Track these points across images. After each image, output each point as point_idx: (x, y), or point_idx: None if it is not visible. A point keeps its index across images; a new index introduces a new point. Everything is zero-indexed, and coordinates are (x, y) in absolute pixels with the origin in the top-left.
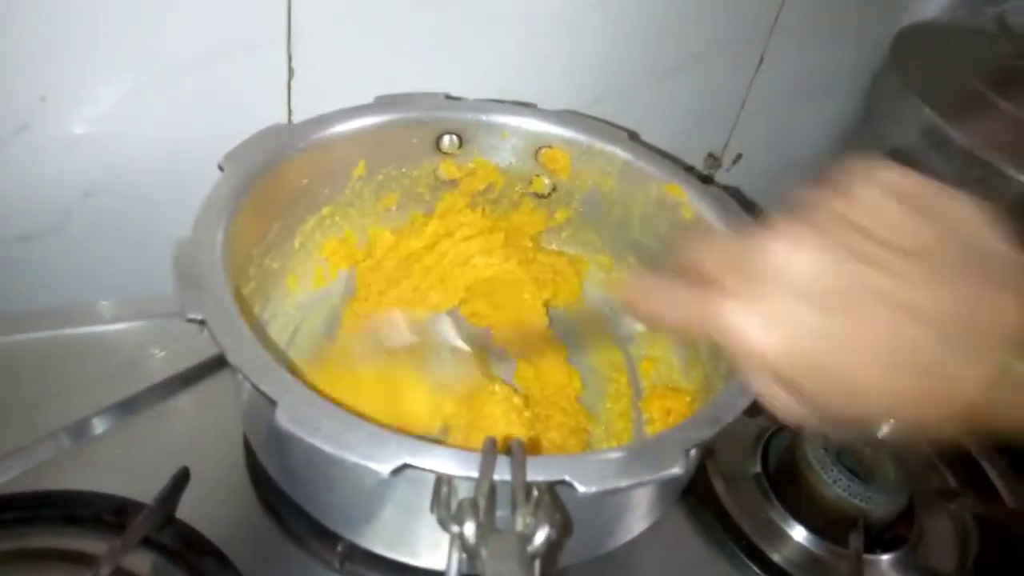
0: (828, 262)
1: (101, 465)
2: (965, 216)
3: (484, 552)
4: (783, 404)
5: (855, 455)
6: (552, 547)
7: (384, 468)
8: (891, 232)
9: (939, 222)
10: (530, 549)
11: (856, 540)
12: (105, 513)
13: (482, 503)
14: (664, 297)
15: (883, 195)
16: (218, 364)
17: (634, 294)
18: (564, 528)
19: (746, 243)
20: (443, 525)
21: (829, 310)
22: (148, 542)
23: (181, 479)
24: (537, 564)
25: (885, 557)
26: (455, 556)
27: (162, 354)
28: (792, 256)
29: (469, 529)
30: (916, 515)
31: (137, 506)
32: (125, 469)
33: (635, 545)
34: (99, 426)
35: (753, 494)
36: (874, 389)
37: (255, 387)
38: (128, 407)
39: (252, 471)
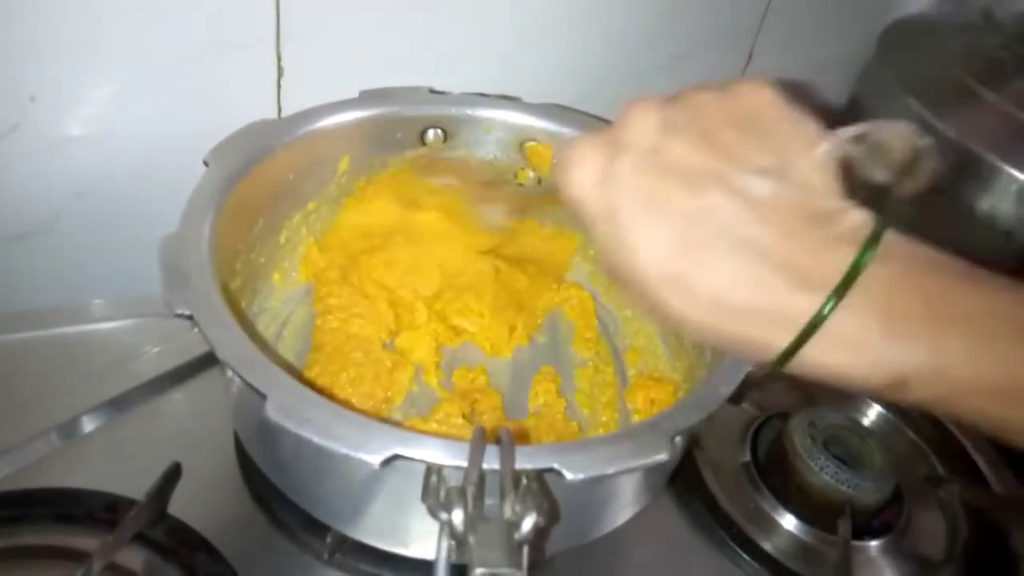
0: (652, 131)
1: (92, 462)
2: (807, 161)
3: (472, 539)
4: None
5: (843, 442)
6: (539, 534)
7: (374, 459)
8: (725, 139)
9: (774, 154)
10: (517, 536)
11: (844, 527)
12: (97, 510)
13: (471, 491)
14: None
15: (742, 109)
16: (209, 361)
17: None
18: (551, 515)
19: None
20: (432, 513)
21: (630, 169)
22: (140, 538)
23: (172, 475)
24: (525, 550)
25: (873, 543)
26: (444, 544)
27: (154, 352)
28: (634, 123)
29: (457, 517)
30: (904, 502)
31: (128, 502)
32: (116, 466)
33: (625, 535)
34: (90, 424)
35: (742, 483)
36: (658, 277)
37: (244, 381)
38: (119, 404)
39: (242, 466)
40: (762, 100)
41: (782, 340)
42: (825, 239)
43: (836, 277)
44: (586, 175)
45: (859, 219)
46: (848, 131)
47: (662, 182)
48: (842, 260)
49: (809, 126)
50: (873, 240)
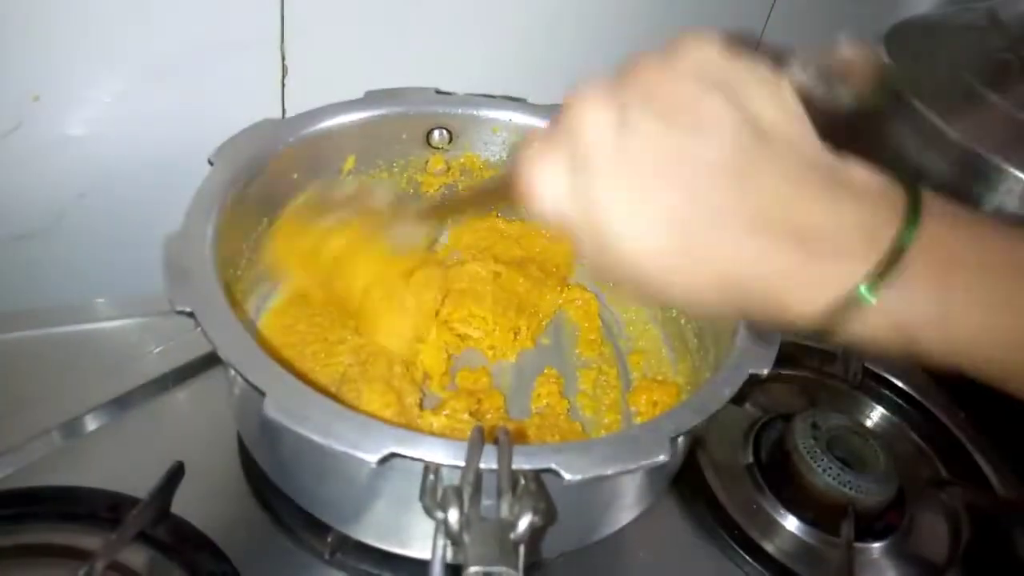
0: (610, 127)
1: (95, 461)
2: (774, 106)
3: (467, 538)
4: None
5: (845, 444)
6: (536, 534)
7: (372, 457)
8: (687, 110)
9: (741, 108)
10: (513, 536)
11: (847, 529)
12: (100, 509)
13: (467, 490)
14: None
15: (692, 71)
16: (212, 360)
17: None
18: (548, 515)
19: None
20: (428, 512)
21: (602, 173)
22: (143, 537)
23: (175, 474)
24: (521, 550)
25: (876, 545)
26: (440, 542)
27: (157, 351)
28: (582, 117)
29: (453, 516)
30: (907, 504)
31: (132, 501)
32: (119, 465)
33: (628, 535)
34: (93, 423)
35: (745, 484)
36: (650, 260)
37: (243, 378)
38: (122, 403)
39: (245, 465)
40: (709, 54)
41: (802, 306)
42: (833, 199)
43: (860, 246)
44: (555, 186)
45: (864, 177)
46: (799, 58)
47: (639, 176)
48: (859, 222)
49: (761, 67)
50: (912, 219)
